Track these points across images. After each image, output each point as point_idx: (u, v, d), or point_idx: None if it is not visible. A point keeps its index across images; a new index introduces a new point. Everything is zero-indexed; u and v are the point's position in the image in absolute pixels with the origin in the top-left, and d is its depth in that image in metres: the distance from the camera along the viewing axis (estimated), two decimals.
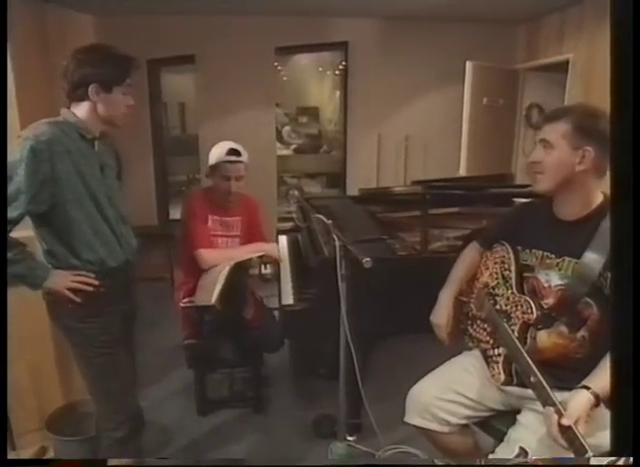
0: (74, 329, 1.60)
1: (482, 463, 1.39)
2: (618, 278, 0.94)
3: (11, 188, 1.38)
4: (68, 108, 1.54)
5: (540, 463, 1.25)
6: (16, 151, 1.38)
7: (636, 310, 0.87)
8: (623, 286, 0.90)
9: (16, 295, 1.58)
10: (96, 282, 1.55)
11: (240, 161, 2.30)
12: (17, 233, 1.46)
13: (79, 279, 1.53)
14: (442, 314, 1.67)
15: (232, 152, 2.28)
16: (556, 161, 1.34)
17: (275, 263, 2.51)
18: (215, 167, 2.31)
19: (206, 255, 2.30)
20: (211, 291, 2.13)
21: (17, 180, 1.38)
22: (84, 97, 1.52)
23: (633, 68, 0.87)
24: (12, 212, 1.39)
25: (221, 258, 2.30)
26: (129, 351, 1.78)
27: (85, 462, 1.21)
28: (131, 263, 1.71)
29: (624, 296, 0.89)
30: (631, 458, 0.90)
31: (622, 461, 0.97)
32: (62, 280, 1.52)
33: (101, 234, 1.58)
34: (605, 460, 1.01)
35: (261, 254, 2.40)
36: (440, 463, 1.76)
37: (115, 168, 1.71)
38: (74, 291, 1.52)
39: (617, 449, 0.93)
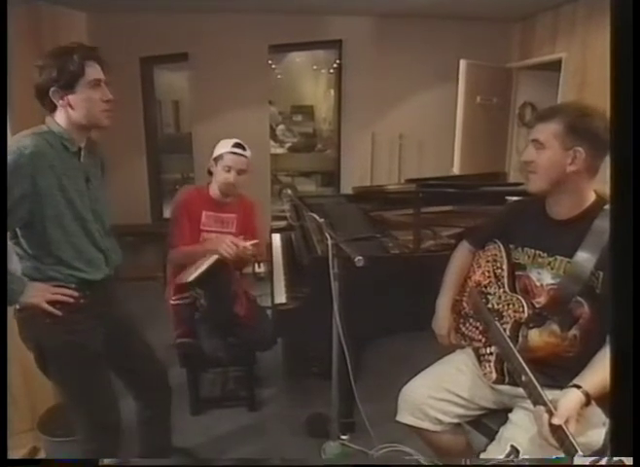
0: (50, 348, 1.50)
1: (474, 463, 1.39)
2: (617, 276, 0.93)
3: None
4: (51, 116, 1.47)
5: (526, 463, 1.25)
6: None
7: (636, 308, 0.86)
8: (622, 284, 0.89)
9: None
10: (77, 294, 1.48)
11: (244, 155, 2.32)
12: None
13: (60, 291, 1.45)
14: (443, 325, 1.67)
15: (238, 145, 2.32)
16: (548, 161, 1.34)
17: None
18: (218, 159, 2.33)
19: (173, 254, 2.35)
20: (192, 272, 2.18)
21: None
22: (53, 105, 1.43)
23: (633, 67, 0.87)
24: None
25: (184, 257, 2.33)
26: (121, 362, 1.72)
27: (76, 463, 1.19)
28: (116, 275, 1.63)
29: (623, 294, 0.89)
30: (631, 458, 0.89)
31: (604, 461, 0.96)
32: (41, 293, 1.43)
33: (85, 252, 1.50)
34: (588, 460, 1.01)
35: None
36: (427, 463, 1.76)
37: (100, 178, 1.62)
38: (53, 304, 1.43)
39: (616, 449, 0.93)
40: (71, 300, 1.47)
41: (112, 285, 1.65)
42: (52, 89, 1.40)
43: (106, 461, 1.03)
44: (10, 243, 1.47)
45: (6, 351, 1.36)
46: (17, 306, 1.48)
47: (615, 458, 0.92)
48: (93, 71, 1.43)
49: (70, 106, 1.43)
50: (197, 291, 2.27)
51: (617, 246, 0.93)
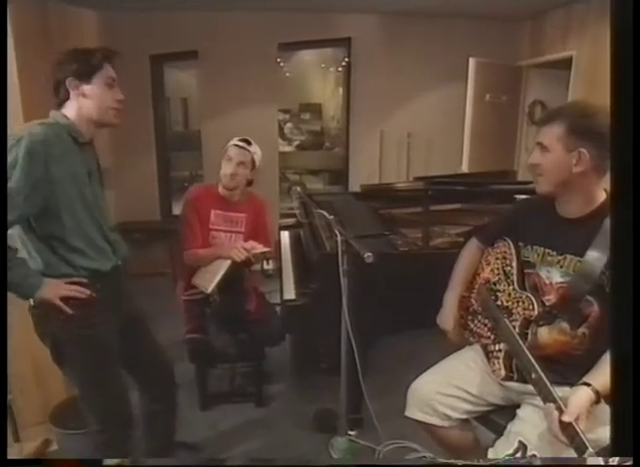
0: (66, 342, 1.52)
1: (484, 463, 1.39)
2: (618, 276, 0.94)
3: (9, 189, 1.31)
4: (57, 110, 1.50)
5: (538, 462, 1.25)
6: (11, 151, 1.33)
7: (636, 308, 0.87)
8: (623, 284, 0.90)
9: None
10: (88, 291, 1.49)
11: (247, 149, 2.34)
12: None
13: (72, 287, 1.47)
14: (448, 320, 1.68)
15: (243, 140, 2.37)
16: (553, 163, 1.34)
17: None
18: (224, 153, 2.37)
19: (186, 257, 2.36)
20: (210, 280, 2.21)
21: (14, 181, 1.32)
22: (67, 96, 1.48)
23: (633, 67, 0.87)
24: (11, 214, 1.33)
25: (197, 261, 2.35)
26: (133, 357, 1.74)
27: (79, 462, 1.20)
28: (124, 268, 1.65)
29: (624, 293, 0.89)
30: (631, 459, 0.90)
31: (615, 460, 0.97)
32: (54, 289, 1.44)
33: (94, 241, 1.53)
34: (601, 460, 1.01)
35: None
36: (433, 460, 1.76)
37: (98, 176, 1.63)
38: (66, 300, 1.45)
39: (617, 449, 0.93)
40: (83, 295, 1.48)
41: (121, 278, 1.67)
42: (68, 78, 1.46)
43: (110, 461, 1.04)
44: (20, 240, 1.48)
45: (6, 351, 1.38)
46: (32, 303, 1.50)
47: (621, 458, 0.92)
48: (110, 70, 1.52)
49: (84, 95, 1.48)
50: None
51: (617, 246, 0.93)
